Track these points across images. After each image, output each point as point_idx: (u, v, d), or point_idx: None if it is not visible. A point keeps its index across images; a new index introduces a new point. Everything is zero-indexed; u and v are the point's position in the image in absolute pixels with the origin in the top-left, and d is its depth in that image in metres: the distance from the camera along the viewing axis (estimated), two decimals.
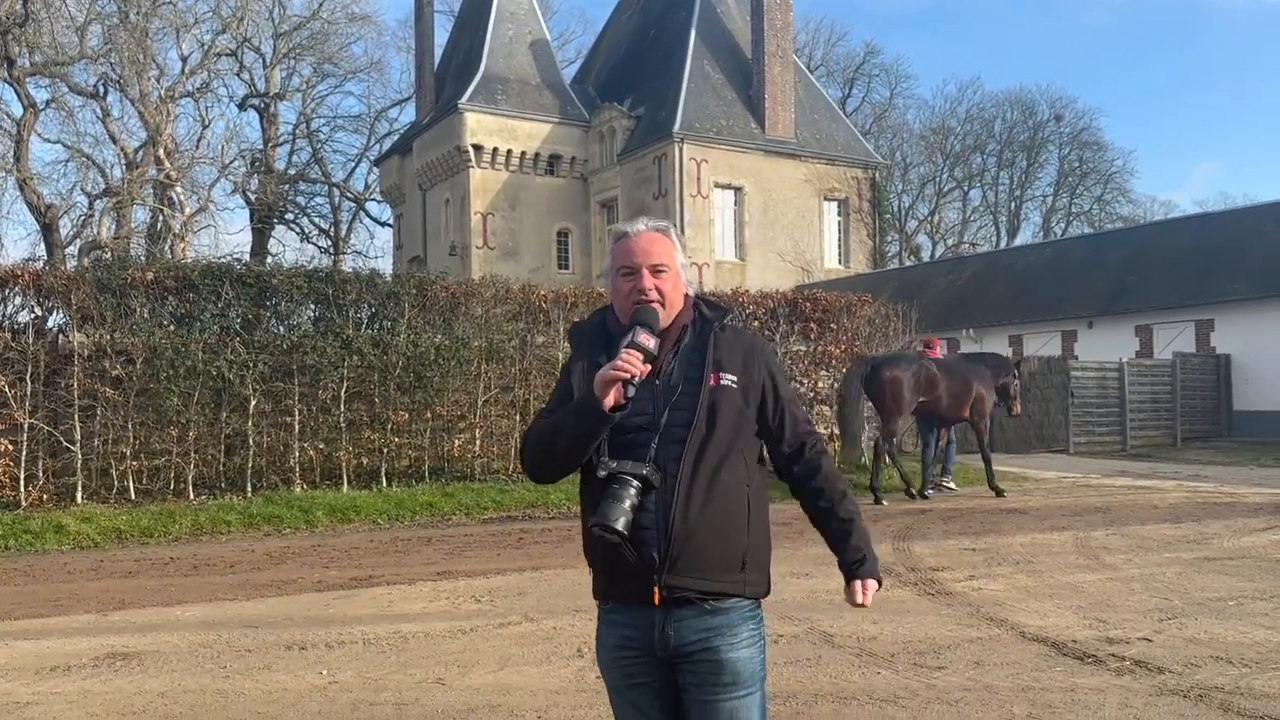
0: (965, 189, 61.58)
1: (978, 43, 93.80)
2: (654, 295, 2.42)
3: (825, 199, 39.73)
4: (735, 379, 2.40)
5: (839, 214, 40.41)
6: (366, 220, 55.73)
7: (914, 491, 12.89)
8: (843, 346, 15.08)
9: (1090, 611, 6.56)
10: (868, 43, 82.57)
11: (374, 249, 62.66)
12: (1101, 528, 10.14)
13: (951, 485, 13.74)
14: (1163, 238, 29.04)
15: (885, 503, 12.25)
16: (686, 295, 2.52)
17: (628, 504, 2.26)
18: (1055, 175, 60.56)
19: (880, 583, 2.55)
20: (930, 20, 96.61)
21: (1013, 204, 61.43)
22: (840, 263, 40.04)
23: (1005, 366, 14.07)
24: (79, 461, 11.07)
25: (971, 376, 13.27)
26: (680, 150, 35.99)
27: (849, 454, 13.56)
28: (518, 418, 13.36)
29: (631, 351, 2.27)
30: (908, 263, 51.90)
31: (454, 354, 12.85)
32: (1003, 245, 56.54)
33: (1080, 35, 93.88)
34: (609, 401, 2.27)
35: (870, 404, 13.21)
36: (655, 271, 2.44)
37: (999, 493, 12.91)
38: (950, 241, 61.31)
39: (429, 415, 12.75)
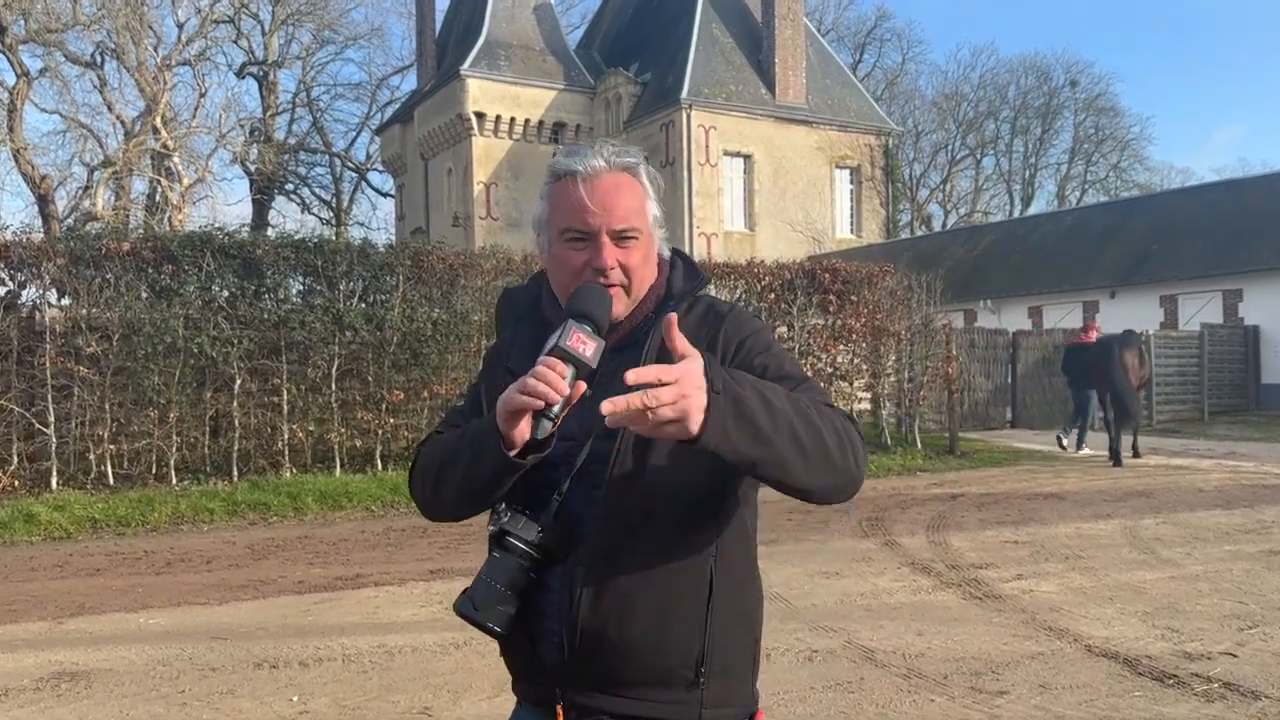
0: (978, 157, 60.39)
1: (993, 5, 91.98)
2: (617, 277, 1.62)
3: (837, 167, 38.72)
4: None
5: (851, 182, 39.40)
6: (369, 191, 54.94)
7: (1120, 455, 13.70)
8: (863, 320, 14.28)
9: (1159, 619, 5.85)
10: (879, 6, 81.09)
11: (376, 220, 62.12)
12: (1149, 515, 9.41)
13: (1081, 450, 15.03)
14: (1187, 205, 28.10)
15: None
16: (661, 260, 1.73)
17: (513, 581, 1.52)
18: (1070, 142, 59.28)
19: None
20: None
21: (1027, 172, 60.23)
22: (852, 232, 39.10)
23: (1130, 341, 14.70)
24: (53, 445, 10.40)
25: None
26: (688, 117, 35.02)
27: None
28: None
29: (553, 361, 1.45)
30: (920, 232, 50.89)
31: (452, 329, 12.13)
32: (1016, 214, 55.45)
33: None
34: (516, 438, 1.48)
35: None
36: (620, 239, 1.62)
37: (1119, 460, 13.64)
38: (963, 210, 60.25)
39: (426, 394, 12.03)
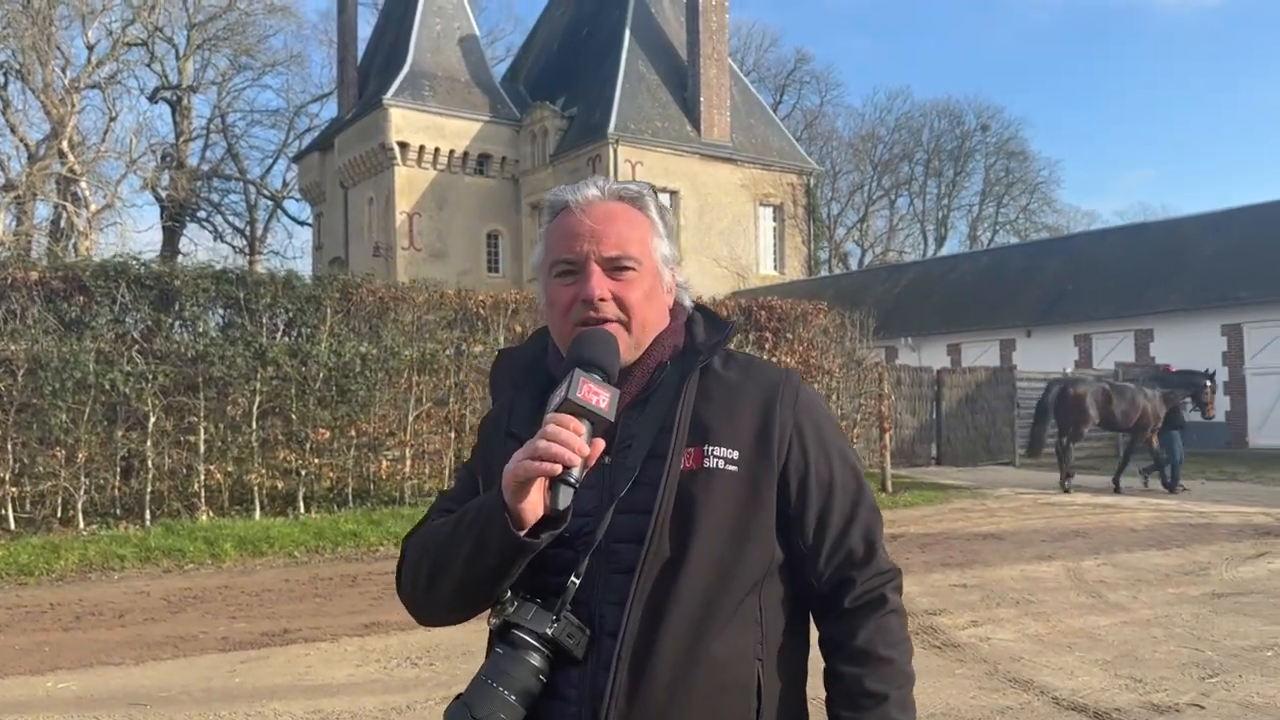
0: (893, 197, 61.89)
1: (910, 51, 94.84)
2: (609, 311, 1.40)
3: (760, 204, 39.19)
4: (735, 456, 1.38)
5: (774, 220, 39.90)
6: (284, 219, 53.79)
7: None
8: (797, 356, 14.27)
9: (1120, 667, 5.77)
10: (799, 49, 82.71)
11: (292, 249, 60.76)
12: (1088, 556, 9.45)
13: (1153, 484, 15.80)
14: (1098, 247, 29.05)
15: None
16: (675, 307, 1.52)
17: (520, 686, 1.27)
18: (982, 184, 61.17)
19: None
20: (864, 26, 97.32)
21: (940, 212, 61.90)
22: (775, 269, 39.52)
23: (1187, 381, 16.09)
24: None
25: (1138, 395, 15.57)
26: (615, 152, 35.07)
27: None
28: (452, 435, 12.25)
29: (564, 418, 1.25)
30: (838, 270, 51.74)
31: (382, 364, 11.70)
32: (930, 254, 56.85)
33: (1010, 45, 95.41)
34: (527, 512, 1.26)
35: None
36: (614, 268, 1.41)
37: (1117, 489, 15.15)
38: (878, 250, 61.51)
39: (353, 432, 11.56)
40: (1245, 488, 14.86)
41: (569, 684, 1.31)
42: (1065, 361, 25.02)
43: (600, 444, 1.27)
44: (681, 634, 1.32)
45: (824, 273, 45.90)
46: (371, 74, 42.40)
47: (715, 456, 1.37)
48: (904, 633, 1.46)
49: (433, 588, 1.39)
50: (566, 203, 1.46)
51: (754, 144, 39.34)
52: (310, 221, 49.80)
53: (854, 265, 57.05)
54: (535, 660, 1.28)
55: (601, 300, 1.39)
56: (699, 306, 1.57)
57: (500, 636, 1.31)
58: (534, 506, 1.26)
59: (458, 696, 1.28)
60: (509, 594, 1.33)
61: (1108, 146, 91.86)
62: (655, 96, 37.35)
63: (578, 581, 1.33)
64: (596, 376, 1.29)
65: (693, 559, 1.33)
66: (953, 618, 7.07)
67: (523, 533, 1.26)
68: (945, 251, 56.61)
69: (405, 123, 37.84)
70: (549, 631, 1.29)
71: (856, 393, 15.23)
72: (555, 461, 1.22)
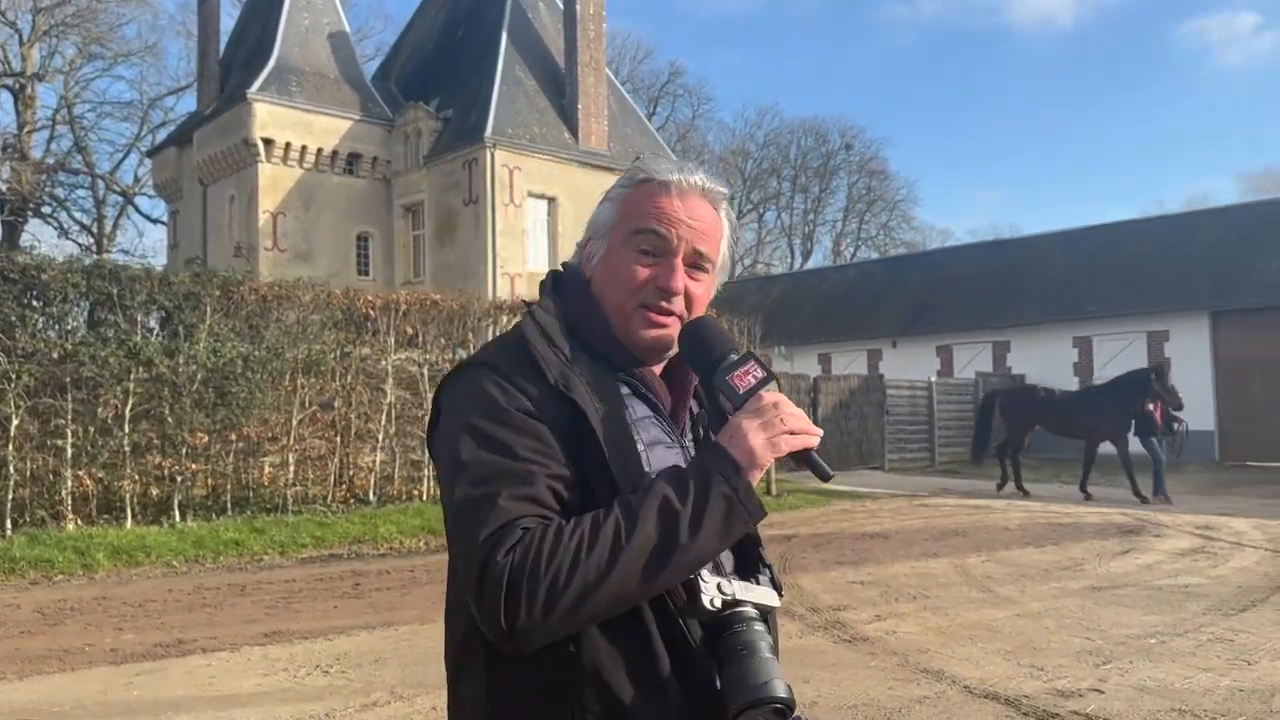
0: (761, 211, 63.30)
1: (780, 68, 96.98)
2: (679, 306, 1.40)
3: None
4: None
5: None
6: (136, 216, 51.28)
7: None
8: None
9: (1021, 657, 6.04)
10: (672, 62, 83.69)
11: (144, 248, 57.75)
12: (971, 553, 9.86)
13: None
14: (958, 263, 30.42)
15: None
16: None
17: (772, 656, 1.29)
18: (845, 201, 63.24)
19: None
20: (735, 42, 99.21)
21: (806, 227, 63.68)
22: None
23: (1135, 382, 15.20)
24: None
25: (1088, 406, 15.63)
26: (492, 156, 34.67)
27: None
28: (338, 439, 11.87)
29: (780, 396, 1.30)
30: None
31: (264, 366, 11.23)
32: (797, 266, 58.40)
33: (876, 65, 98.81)
34: None
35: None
36: (695, 265, 1.43)
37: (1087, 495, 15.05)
38: (747, 262, 62.79)
39: (233, 437, 11.06)
40: (1099, 490, 15.79)
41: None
42: (928, 371, 26.09)
43: None
44: None
45: None
46: (234, 67, 40.75)
47: None
48: None
49: (591, 598, 1.18)
50: (669, 181, 1.43)
51: (631, 153, 39.54)
52: (165, 220, 47.47)
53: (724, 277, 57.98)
54: (760, 628, 1.31)
55: (677, 294, 1.40)
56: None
57: (730, 623, 1.29)
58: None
59: (765, 682, 1.24)
60: (706, 575, 1.29)
61: (962, 166, 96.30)
62: (533, 102, 37.16)
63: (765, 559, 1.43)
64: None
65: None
66: (857, 613, 7.26)
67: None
68: (811, 265, 58.28)
69: (270, 118, 36.49)
70: (766, 600, 1.34)
71: None
72: (814, 436, 1.29)
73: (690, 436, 1.49)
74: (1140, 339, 23.66)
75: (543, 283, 1.53)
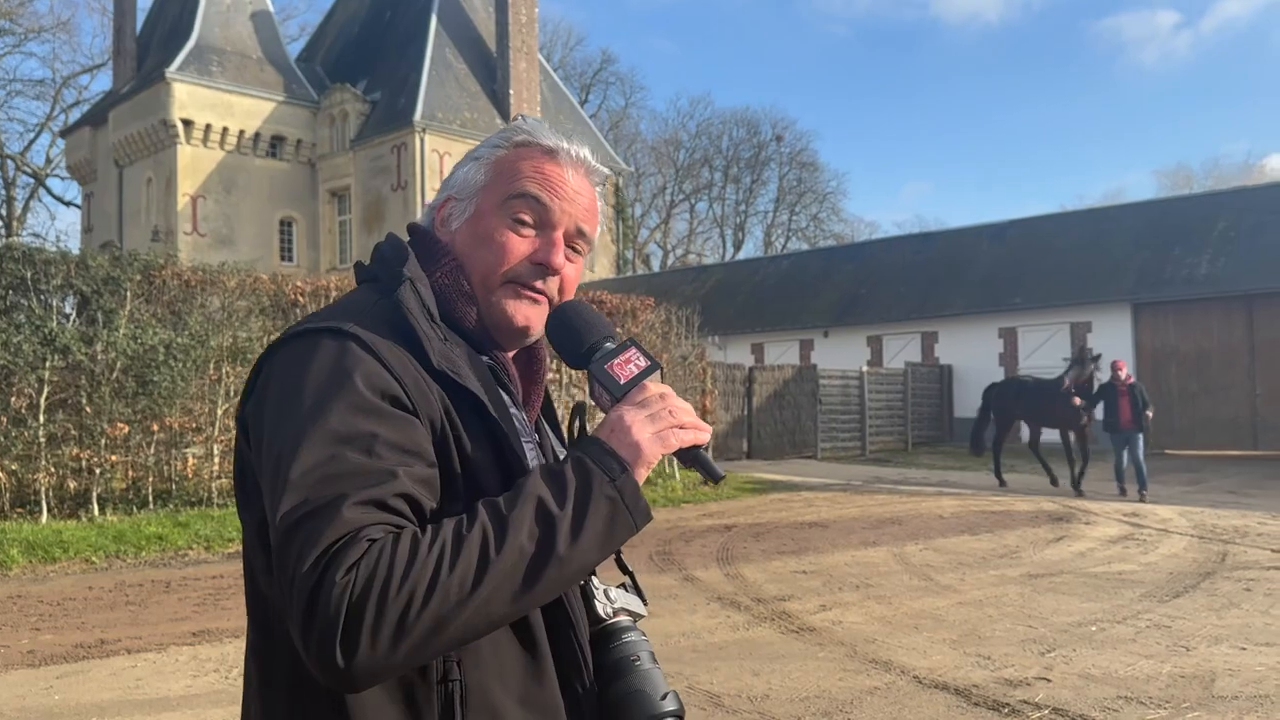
0: (693, 201, 63.53)
1: (712, 57, 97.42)
2: (554, 288, 1.28)
3: None
4: None
5: None
6: (48, 199, 49.36)
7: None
8: None
9: (967, 646, 6.07)
10: (604, 49, 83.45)
11: (55, 231, 55.56)
12: (908, 542, 9.94)
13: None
14: (888, 254, 30.77)
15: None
16: None
17: (656, 666, 1.20)
18: (776, 192, 63.70)
19: None
20: (667, 30, 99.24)
21: (738, 218, 64.00)
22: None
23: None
24: None
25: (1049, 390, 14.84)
26: (422, 141, 34.10)
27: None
28: None
29: (665, 389, 1.19)
30: (640, 270, 52.53)
31: (187, 353, 10.82)
32: (728, 257, 58.69)
33: (808, 57, 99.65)
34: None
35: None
36: (573, 245, 1.31)
37: (1054, 482, 14.70)
38: (679, 252, 62.93)
39: (155, 427, 10.63)
40: (1034, 479, 16.12)
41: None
42: (859, 361, 26.38)
43: None
44: None
45: (629, 273, 46.45)
46: (152, 46, 39.41)
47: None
48: None
49: (449, 625, 0.98)
50: (556, 147, 1.29)
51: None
52: (78, 202, 45.78)
53: (656, 266, 58.13)
54: (639, 637, 1.23)
55: (556, 273, 1.28)
56: None
57: (612, 635, 1.21)
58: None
59: (663, 696, 1.15)
60: (591, 585, 1.23)
61: (890, 160, 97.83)
62: (464, 87, 36.62)
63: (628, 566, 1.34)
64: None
65: None
66: (801, 603, 7.24)
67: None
68: (743, 255, 58.62)
69: (190, 99, 35.41)
70: (636, 607, 1.26)
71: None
72: (704, 434, 1.16)
73: (538, 434, 1.34)
74: (1064, 330, 24.20)
75: (395, 244, 1.29)
